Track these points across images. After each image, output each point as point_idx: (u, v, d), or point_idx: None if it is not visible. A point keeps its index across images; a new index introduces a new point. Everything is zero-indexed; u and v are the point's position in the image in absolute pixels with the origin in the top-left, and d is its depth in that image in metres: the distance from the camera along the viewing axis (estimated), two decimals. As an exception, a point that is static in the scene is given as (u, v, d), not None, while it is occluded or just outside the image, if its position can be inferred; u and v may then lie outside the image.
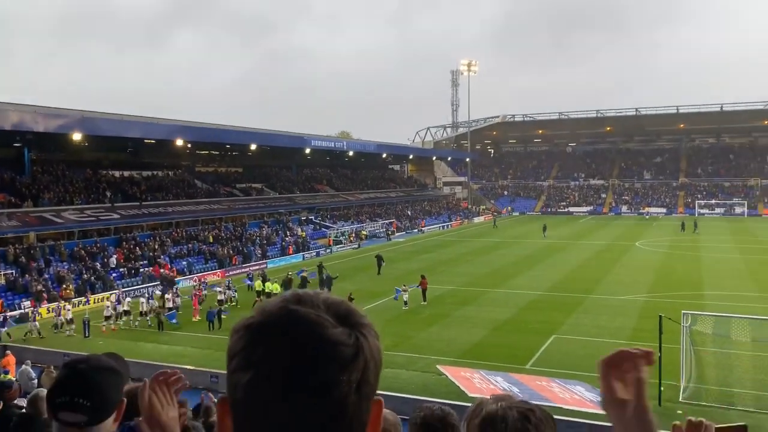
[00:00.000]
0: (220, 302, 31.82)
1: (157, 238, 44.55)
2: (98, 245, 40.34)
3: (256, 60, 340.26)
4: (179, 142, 49.81)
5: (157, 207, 48.23)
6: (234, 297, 33.86)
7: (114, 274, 37.90)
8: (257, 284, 34.41)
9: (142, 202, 47.62)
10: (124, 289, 34.50)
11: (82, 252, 38.73)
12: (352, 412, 1.01)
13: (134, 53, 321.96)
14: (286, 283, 33.58)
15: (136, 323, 30.12)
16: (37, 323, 28.33)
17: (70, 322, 28.72)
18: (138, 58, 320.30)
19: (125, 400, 2.08)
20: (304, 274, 35.77)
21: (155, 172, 55.54)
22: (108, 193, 46.47)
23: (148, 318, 30.49)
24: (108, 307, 30.02)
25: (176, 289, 35.14)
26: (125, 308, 30.70)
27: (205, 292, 33.98)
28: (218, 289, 33.43)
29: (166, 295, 32.36)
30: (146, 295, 32.98)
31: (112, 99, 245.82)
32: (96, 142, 47.50)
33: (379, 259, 42.62)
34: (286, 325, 1.01)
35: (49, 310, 30.40)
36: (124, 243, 42.07)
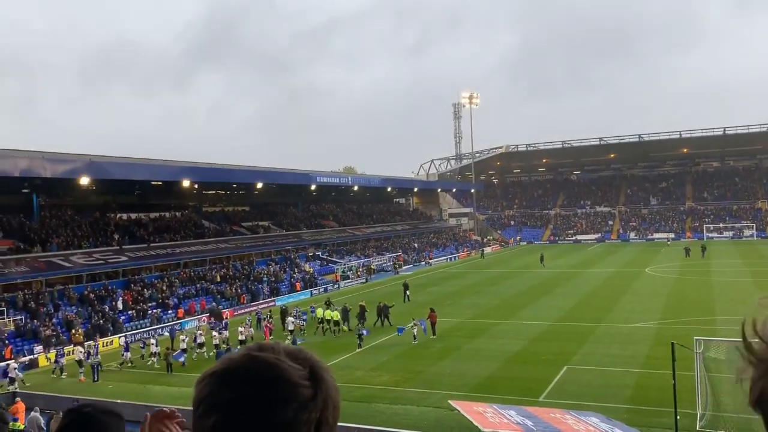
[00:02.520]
0: (291, 332, 33.17)
1: (166, 279, 44.60)
2: (107, 288, 40.41)
3: (273, 99, 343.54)
4: (186, 183, 50.21)
5: (164, 248, 48.39)
6: (303, 326, 35.14)
7: (122, 317, 37.88)
8: (318, 312, 35.96)
9: (150, 244, 47.81)
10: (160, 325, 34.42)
11: (91, 295, 38.78)
12: None
13: (156, 94, 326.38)
14: (345, 312, 35.30)
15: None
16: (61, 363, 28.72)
17: (78, 364, 28.76)
18: (160, 100, 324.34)
19: None
20: (362, 302, 36.54)
21: (163, 214, 55.87)
22: (116, 236, 46.70)
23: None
24: (184, 340, 30.81)
25: (225, 323, 36.56)
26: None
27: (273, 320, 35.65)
28: (290, 318, 34.24)
29: (213, 332, 33.13)
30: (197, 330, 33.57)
31: (133, 141, 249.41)
32: (103, 186, 47.93)
33: (405, 287, 44.72)
34: (248, 369, 1.09)
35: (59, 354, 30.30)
36: (132, 285, 42.14)
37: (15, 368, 26.74)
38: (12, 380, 26.13)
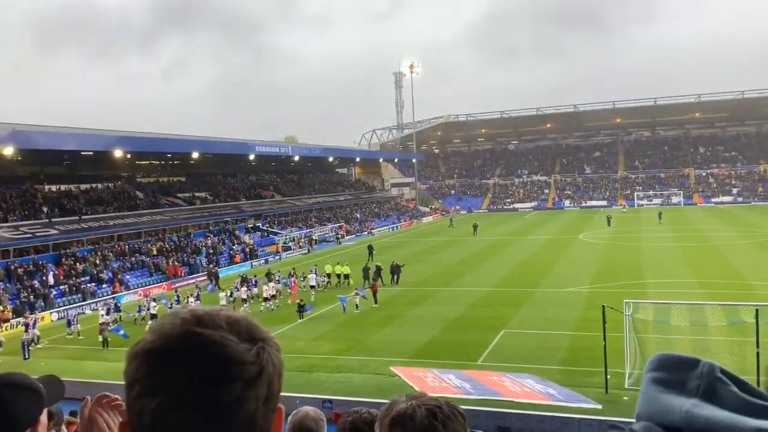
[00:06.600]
0: (312, 287, 35.51)
1: (99, 253, 43.20)
2: (36, 263, 38.83)
3: (235, 66, 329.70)
4: (118, 153, 48.46)
5: (97, 221, 46.75)
6: (323, 282, 37.73)
7: (54, 292, 36.56)
8: (327, 267, 39.00)
9: (81, 216, 46.08)
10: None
11: (19, 270, 37.21)
12: (261, 425, 1.04)
13: (112, 60, 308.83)
14: (365, 271, 37.03)
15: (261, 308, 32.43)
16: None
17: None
18: (117, 66, 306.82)
19: (42, 421, 1.97)
20: (378, 263, 38.69)
21: (94, 185, 53.86)
22: (45, 209, 44.80)
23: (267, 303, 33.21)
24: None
25: (254, 281, 37.71)
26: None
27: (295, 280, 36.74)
28: (312, 275, 36.18)
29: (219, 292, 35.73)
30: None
31: (88, 109, 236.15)
32: (30, 156, 45.75)
33: (370, 249, 48.41)
34: (189, 348, 1.00)
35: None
36: (64, 259, 40.64)
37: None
38: None
